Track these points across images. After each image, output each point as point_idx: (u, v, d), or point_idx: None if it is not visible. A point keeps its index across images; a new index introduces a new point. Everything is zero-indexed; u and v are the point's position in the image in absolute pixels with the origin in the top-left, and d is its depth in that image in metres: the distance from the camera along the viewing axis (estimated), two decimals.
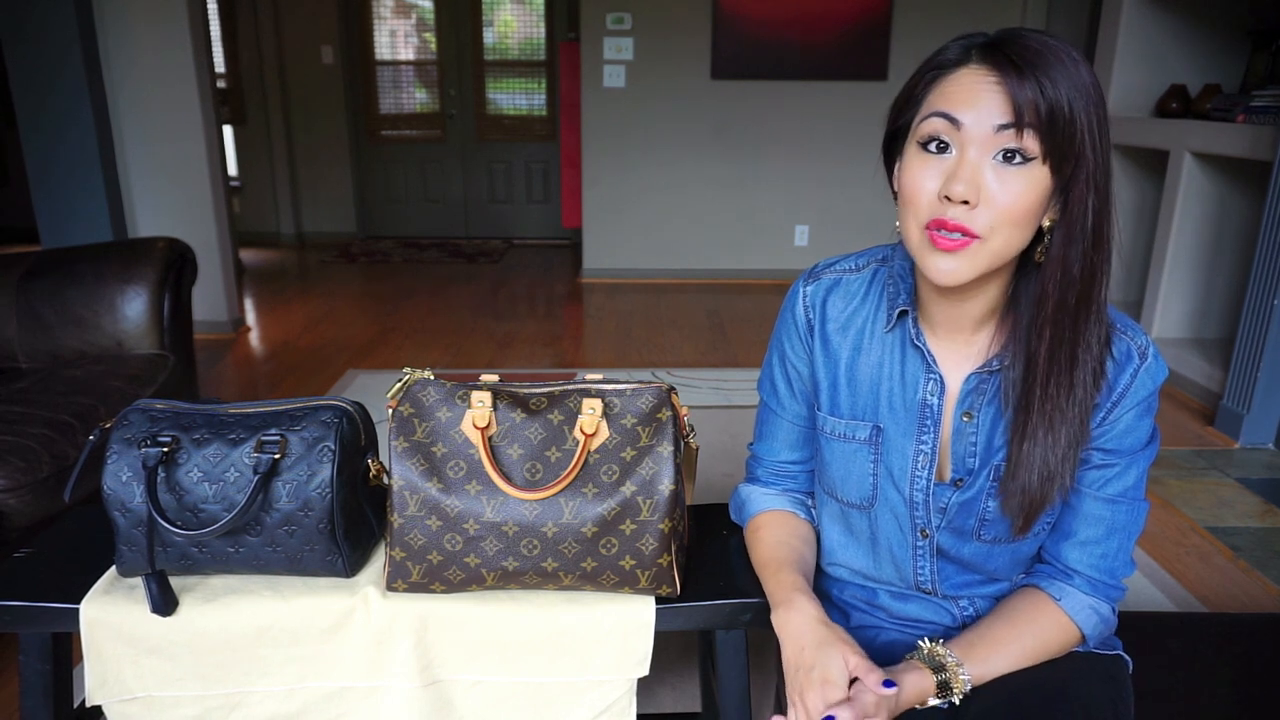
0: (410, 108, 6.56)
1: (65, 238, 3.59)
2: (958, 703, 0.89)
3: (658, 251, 5.32)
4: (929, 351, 0.92)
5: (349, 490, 0.96)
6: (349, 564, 0.98)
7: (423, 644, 0.96)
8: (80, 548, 1.06)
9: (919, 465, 0.94)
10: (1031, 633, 0.92)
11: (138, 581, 0.96)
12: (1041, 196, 0.79)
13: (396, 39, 6.46)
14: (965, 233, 0.79)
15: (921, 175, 0.81)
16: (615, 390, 0.96)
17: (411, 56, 6.49)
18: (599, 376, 0.98)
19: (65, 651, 1.04)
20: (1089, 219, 0.80)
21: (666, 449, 0.93)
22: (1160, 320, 3.49)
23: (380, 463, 1.01)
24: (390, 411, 0.96)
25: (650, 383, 0.97)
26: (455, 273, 5.60)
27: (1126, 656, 1.01)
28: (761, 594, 0.97)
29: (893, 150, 0.89)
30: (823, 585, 1.09)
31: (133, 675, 0.96)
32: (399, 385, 0.97)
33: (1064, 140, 0.77)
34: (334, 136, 6.40)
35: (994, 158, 0.78)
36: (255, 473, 0.92)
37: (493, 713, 0.99)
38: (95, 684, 0.97)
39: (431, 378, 0.97)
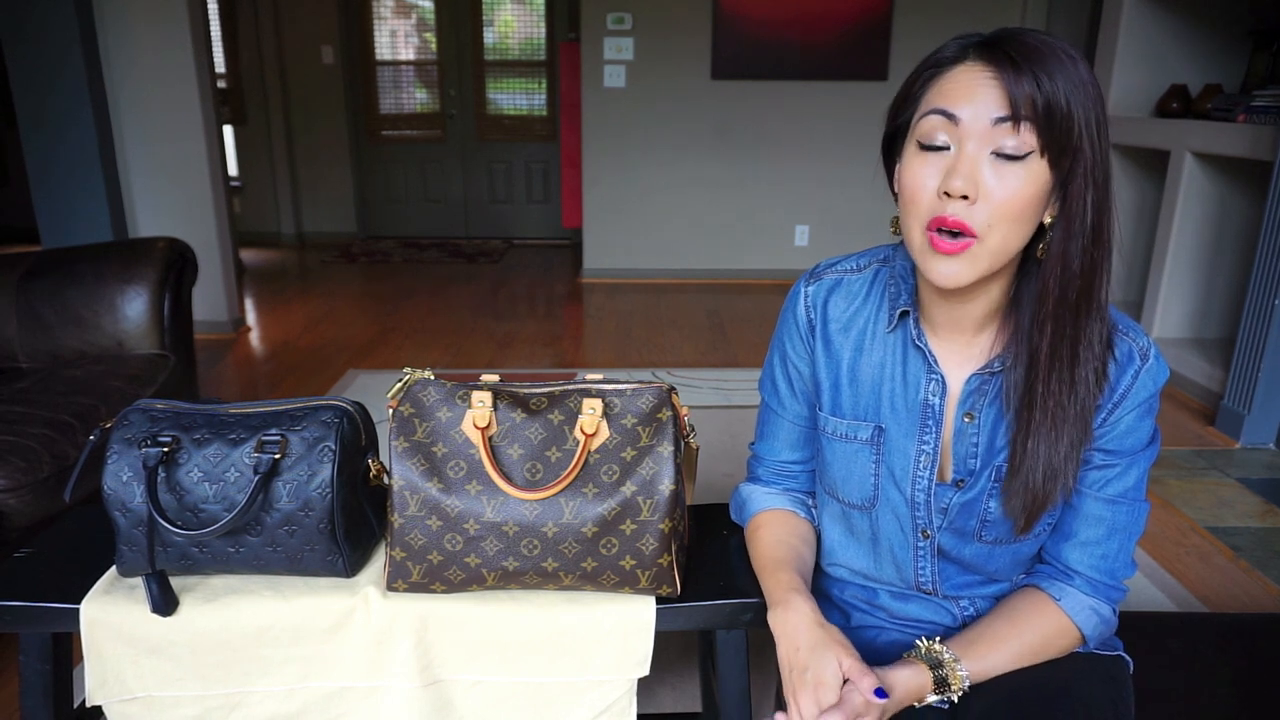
0: (410, 108, 6.56)
1: (65, 238, 3.59)
2: (956, 700, 0.89)
3: (658, 251, 5.32)
4: (930, 352, 0.92)
5: (349, 490, 0.96)
6: (349, 564, 0.98)
7: (423, 644, 0.96)
8: (80, 548, 1.06)
9: (920, 466, 0.94)
10: (1031, 632, 0.92)
11: (138, 581, 0.96)
12: (1040, 191, 0.79)
13: (397, 39, 6.46)
14: (964, 230, 0.79)
15: (921, 173, 0.81)
16: (615, 390, 0.96)
17: (412, 56, 6.49)
18: (599, 376, 0.98)
19: (65, 651, 1.04)
20: (1088, 215, 0.80)
21: (667, 449, 0.93)
22: (1161, 320, 3.48)
23: (380, 463, 1.01)
24: (390, 411, 0.96)
25: (650, 383, 0.97)
26: (455, 273, 5.60)
27: (1127, 657, 1.01)
28: (761, 594, 0.97)
29: (892, 150, 0.89)
30: (823, 585, 1.08)
31: (133, 675, 0.96)
32: (399, 385, 0.97)
33: (1061, 134, 0.77)
34: (334, 136, 6.41)
35: (992, 153, 0.78)
36: (256, 473, 0.92)
37: (493, 713, 0.99)
38: (95, 684, 0.97)
39: (432, 378, 0.97)
